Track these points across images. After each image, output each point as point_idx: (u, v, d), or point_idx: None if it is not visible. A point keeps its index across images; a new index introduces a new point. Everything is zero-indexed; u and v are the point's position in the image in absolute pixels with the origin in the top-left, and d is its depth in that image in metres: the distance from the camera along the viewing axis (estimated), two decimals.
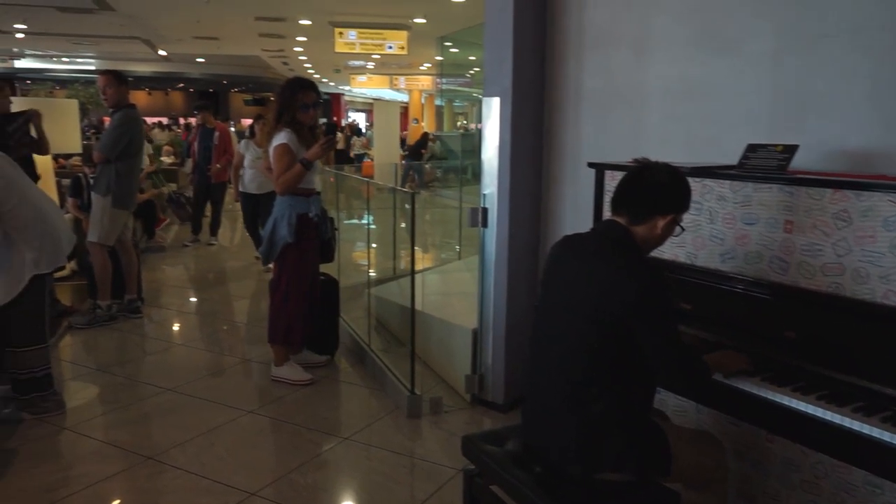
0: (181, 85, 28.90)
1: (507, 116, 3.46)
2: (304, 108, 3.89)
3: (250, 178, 7.04)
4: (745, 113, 2.77)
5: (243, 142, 7.29)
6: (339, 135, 17.53)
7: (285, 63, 21.47)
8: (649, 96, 3.12)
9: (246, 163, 7.06)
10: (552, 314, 2.03)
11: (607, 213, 2.76)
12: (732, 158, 2.42)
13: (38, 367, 3.48)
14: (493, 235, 3.59)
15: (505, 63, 3.42)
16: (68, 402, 3.70)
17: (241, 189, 7.19)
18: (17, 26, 14.08)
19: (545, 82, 3.59)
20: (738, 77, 2.78)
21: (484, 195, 3.60)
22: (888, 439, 1.69)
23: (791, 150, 2.26)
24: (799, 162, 2.29)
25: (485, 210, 3.60)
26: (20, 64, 22.63)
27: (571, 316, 1.94)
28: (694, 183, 2.18)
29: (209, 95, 27.89)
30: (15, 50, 19.82)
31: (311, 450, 3.30)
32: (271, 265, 4.12)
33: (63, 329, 5.00)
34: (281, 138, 3.84)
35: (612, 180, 2.75)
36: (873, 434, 1.72)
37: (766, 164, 2.29)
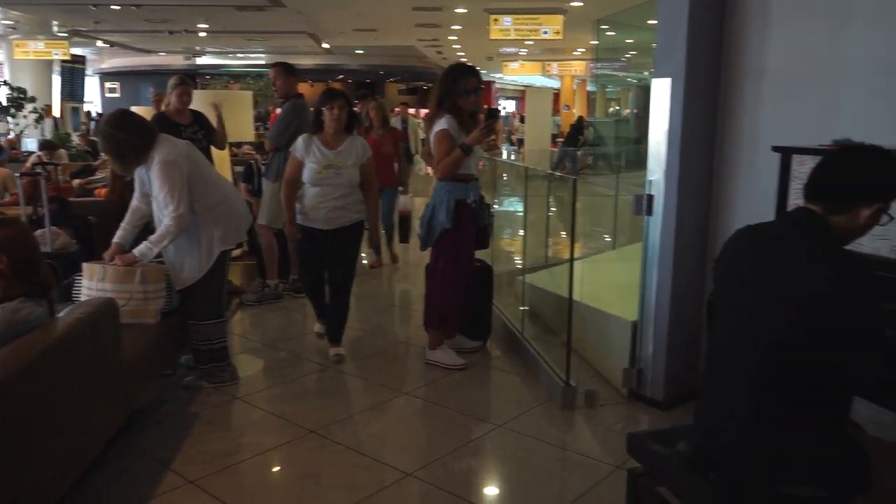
0: (341, 76, 30.16)
1: (678, 98, 3.26)
2: (465, 93, 3.88)
3: (312, 203, 4.03)
4: None
5: (300, 140, 4.09)
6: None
7: (439, 52, 21.80)
8: (850, 72, 2.81)
9: (305, 176, 4.03)
10: (735, 309, 1.86)
11: (793, 202, 2.54)
12: None
13: (216, 340, 3.74)
14: (658, 224, 3.41)
15: (678, 42, 3.21)
16: (240, 373, 3.94)
17: (297, 220, 4.14)
18: (200, 25, 15.37)
19: (721, 62, 3.34)
20: None
21: (649, 181, 3.42)
22: None
23: None
24: None
25: (650, 197, 3.42)
26: (201, 61, 24.75)
27: (757, 311, 1.77)
28: None
29: (367, 86, 28.93)
30: (197, 48, 21.71)
31: (464, 435, 3.31)
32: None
33: (235, 306, 5.36)
34: (441, 124, 3.85)
35: (801, 166, 2.51)
36: None
37: None
